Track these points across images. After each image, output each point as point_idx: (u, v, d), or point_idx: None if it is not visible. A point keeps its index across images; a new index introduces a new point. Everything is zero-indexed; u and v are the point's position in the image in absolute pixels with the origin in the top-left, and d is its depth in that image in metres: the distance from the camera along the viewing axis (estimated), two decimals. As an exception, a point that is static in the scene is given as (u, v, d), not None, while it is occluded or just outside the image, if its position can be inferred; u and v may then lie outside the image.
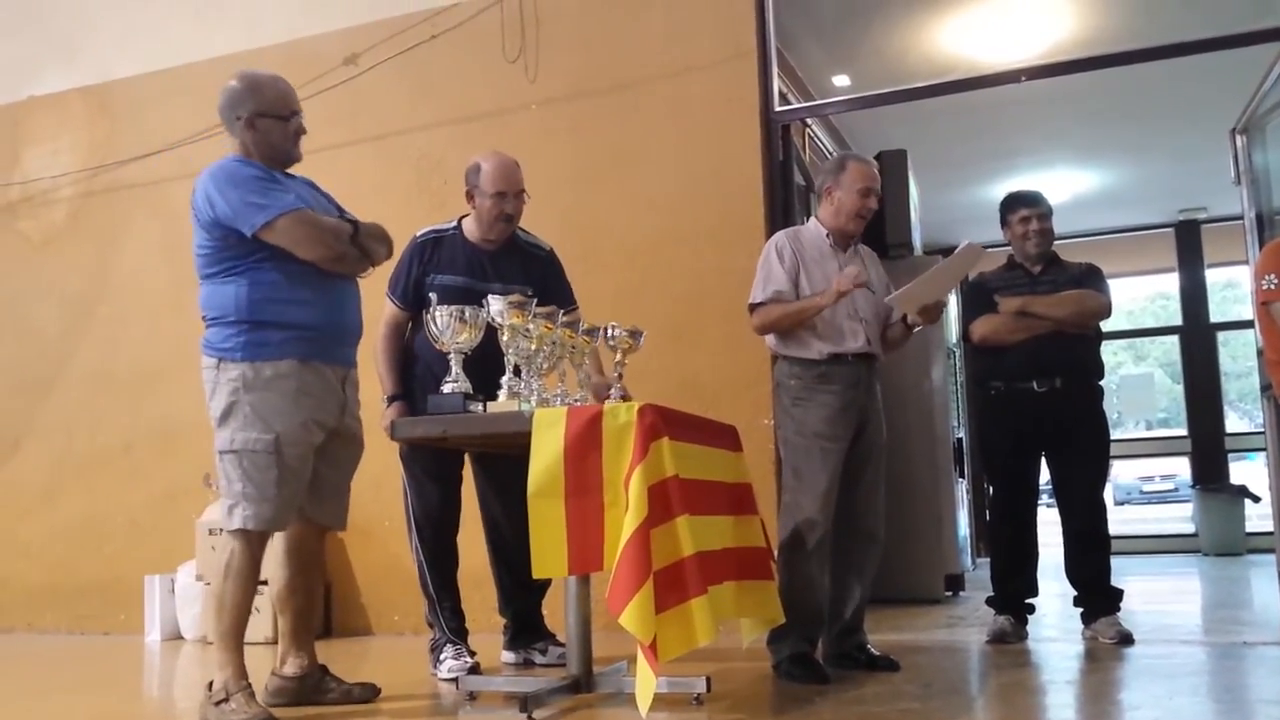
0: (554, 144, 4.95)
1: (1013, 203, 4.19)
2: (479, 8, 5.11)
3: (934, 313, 3.44)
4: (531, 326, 3.03)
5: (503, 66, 5.08)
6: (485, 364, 3.12)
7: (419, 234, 3.73)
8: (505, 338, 3.02)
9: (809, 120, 5.92)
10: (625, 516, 2.62)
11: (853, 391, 3.39)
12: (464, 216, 3.78)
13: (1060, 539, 4.08)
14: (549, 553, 2.74)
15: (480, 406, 2.99)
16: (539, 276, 3.74)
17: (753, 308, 3.48)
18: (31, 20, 6.21)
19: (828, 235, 3.51)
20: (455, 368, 3.06)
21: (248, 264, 2.93)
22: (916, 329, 3.53)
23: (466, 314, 3.04)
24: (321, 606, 4.87)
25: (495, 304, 3.01)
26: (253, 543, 2.94)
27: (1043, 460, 4.12)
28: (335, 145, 5.01)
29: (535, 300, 3.11)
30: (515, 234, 3.76)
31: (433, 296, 3.14)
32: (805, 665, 3.26)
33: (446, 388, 3.03)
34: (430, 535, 3.71)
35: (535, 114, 5.07)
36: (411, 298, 3.66)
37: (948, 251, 3.74)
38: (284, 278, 2.95)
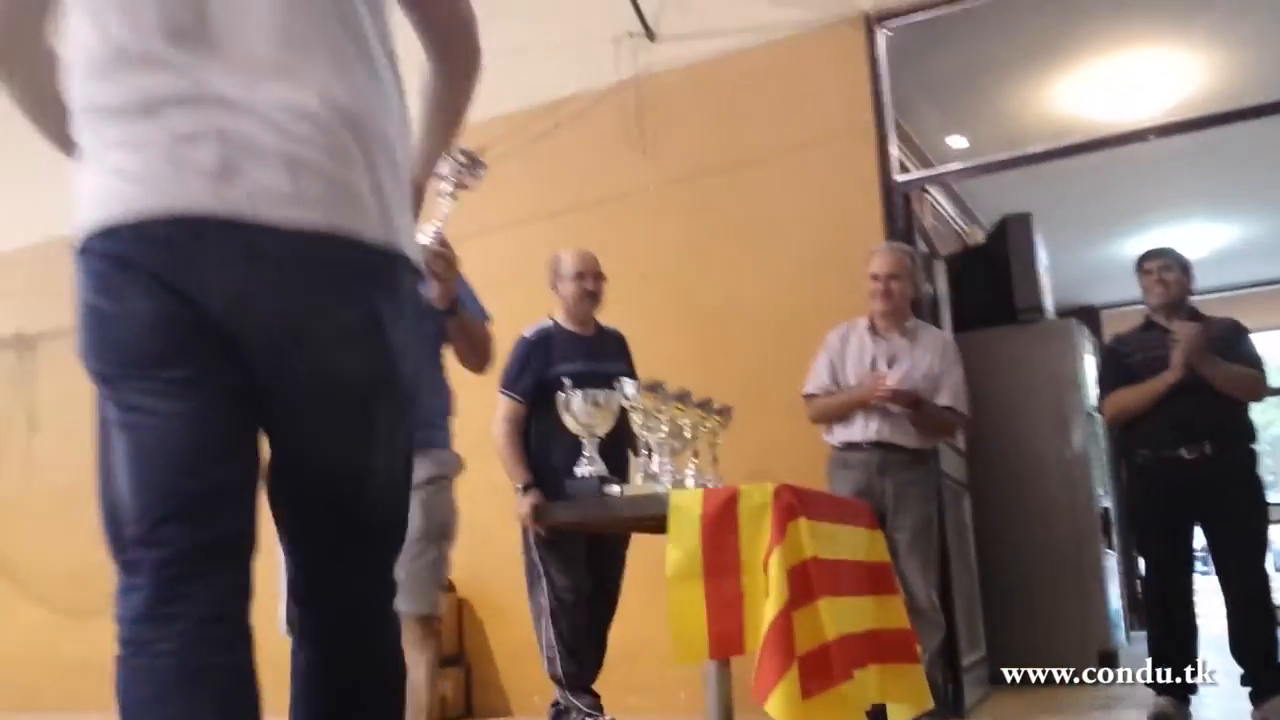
0: (674, 223, 5.03)
1: (1140, 260, 4.13)
2: (596, 96, 5.27)
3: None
4: (664, 408, 3.06)
5: (622, 151, 5.21)
6: (604, 447, 3.16)
7: (528, 334, 3.92)
8: (639, 420, 3.05)
9: (928, 185, 5.89)
10: (766, 600, 2.60)
11: (866, 478, 3.80)
12: (551, 316, 4.00)
13: (1222, 609, 3.88)
14: (689, 636, 2.71)
15: (616, 489, 3.02)
16: (624, 355, 4.05)
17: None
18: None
19: (869, 326, 3.88)
20: (590, 450, 3.09)
21: None
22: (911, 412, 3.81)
23: (600, 398, 3.09)
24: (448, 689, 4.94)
25: (629, 387, 3.05)
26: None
27: (1198, 529, 3.94)
28: (469, 235, 5.17)
29: (664, 382, 3.15)
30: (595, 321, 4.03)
31: (567, 382, 3.20)
32: None
33: (580, 471, 3.06)
34: (569, 622, 3.74)
35: (655, 195, 5.16)
36: (532, 392, 3.82)
37: (1079, 312, 3.67)
38: None
